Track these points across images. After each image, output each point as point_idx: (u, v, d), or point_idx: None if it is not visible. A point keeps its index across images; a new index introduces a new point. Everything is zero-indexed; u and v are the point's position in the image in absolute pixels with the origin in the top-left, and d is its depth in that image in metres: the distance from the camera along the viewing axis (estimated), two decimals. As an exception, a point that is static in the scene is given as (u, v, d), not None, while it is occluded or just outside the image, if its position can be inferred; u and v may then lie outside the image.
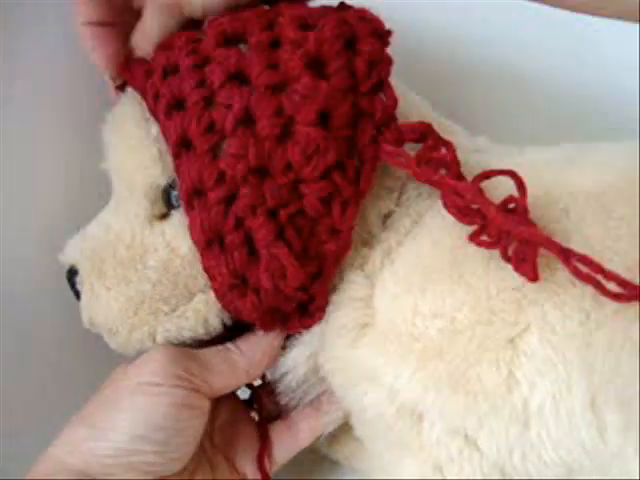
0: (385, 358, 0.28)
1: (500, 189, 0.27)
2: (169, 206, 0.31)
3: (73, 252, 0.32)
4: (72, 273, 0.32)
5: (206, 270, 0.29)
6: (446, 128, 0.32)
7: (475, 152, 0.32)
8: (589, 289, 0.25)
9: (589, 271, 0.23)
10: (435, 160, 0.28)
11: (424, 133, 0.28)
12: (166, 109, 0.29)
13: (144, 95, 0.30)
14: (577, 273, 0.23)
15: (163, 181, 0.30)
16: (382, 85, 0.29)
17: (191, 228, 0.29)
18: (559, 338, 0.25)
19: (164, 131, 0.29)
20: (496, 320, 0.26)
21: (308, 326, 0.31)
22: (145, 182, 0.30)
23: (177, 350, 0.30)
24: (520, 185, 0.27)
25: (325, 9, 0.30)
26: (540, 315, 0.25)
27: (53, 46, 0.37)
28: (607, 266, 0.24)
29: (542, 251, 0.25)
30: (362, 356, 0.29)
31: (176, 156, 0.29)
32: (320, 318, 0.30)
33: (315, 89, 0.27)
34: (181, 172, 0.28)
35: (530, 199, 0.26)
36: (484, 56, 0.46)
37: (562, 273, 0.25)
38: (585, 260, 0.23)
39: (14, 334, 0.35)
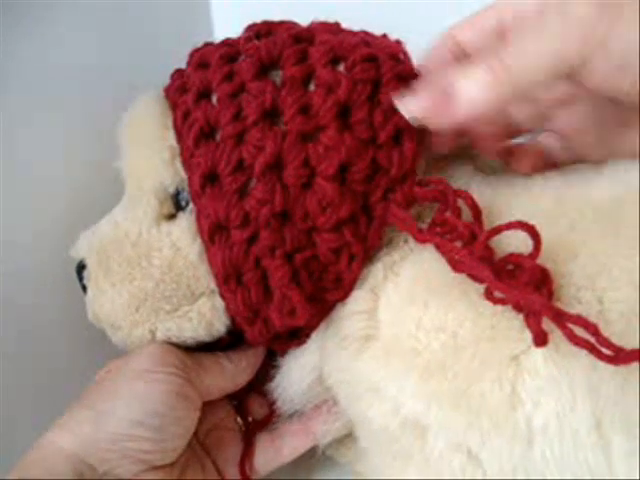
0: (388, 371, 0.28)
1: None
2: (177, 207, 0.31)
3: (83, 247, 0.32)
4: (81, 267, 0.32)
5: (223, 297, 0.30)
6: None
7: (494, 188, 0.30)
8: (594, 306, 0.25)
9: (584, 333, 0.22)
10: (446, 223, 0.27)
11: (438, 194, 0.27)
12: (196, 136, 0.28)
13: (174, 109, 0.31)
14: (571, 337, 0.23)
15: (172, 185, 0.31)
16: (401, 136, 0.28)
17: (211, 261, 0.29)
18: (563, 357, 0.24)
19: (189, 156, 0.29)
20: (499, 337, 0.26)
21: (292, 347, 0.31)
22: (155, 182, 0.31)
23: (173, 345, 0.31)
24: (535, 237, 0.25)
25: (359, 37, 0.30)
26: (544, 333, 0.25)
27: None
28: (614, 283, 0.25)
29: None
30: (366, 369, 0.28)
31: (201, 187, 0.28)
32: (304, 342, 0.31)
33: (339, 141, 0.27)
34: (205, 206, 0.28)
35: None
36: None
37: (566, 291, 0.25)
38: (579, 322, 0.23)
39: (14, 332, 0.35)
